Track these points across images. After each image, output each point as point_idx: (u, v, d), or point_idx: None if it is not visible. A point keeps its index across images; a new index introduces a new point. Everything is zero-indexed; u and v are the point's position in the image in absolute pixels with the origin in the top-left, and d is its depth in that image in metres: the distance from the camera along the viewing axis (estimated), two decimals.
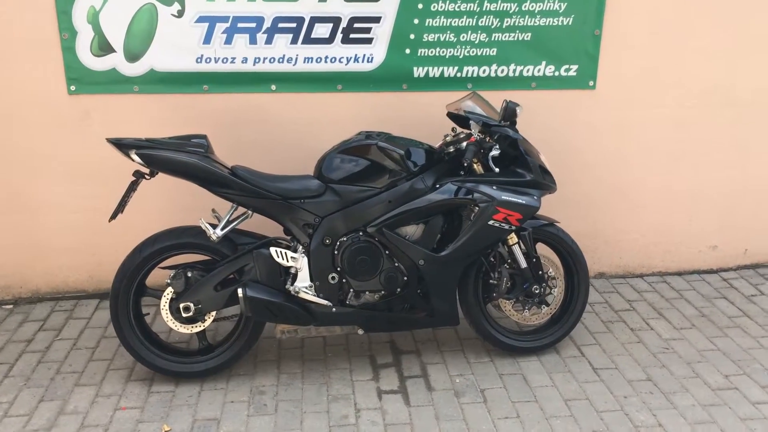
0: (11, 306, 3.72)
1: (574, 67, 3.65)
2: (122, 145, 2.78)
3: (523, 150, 2.97)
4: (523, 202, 2.95)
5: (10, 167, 3.54)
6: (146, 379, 3.02)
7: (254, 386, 2.98)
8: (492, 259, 3.10)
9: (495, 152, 2.92)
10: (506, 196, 2.93)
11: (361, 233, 2.94)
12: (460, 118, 3.18)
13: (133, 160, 2.79)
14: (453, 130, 3.18)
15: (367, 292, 2.99)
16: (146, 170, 2.86)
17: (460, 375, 3.07)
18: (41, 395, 2.91)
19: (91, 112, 3.50)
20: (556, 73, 3.66)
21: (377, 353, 3.24)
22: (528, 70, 3.64)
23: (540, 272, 3.11)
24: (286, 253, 2.90)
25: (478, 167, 3.00)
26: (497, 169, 2.91)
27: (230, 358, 3.00)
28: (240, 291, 2.84)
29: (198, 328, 2.96)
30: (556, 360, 3.19)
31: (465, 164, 2.84)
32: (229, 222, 2.89)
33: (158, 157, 2.77)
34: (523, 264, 3.08)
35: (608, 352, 3.25)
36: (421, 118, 3.61)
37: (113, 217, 2.88)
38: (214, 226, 2.86)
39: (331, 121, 3.61)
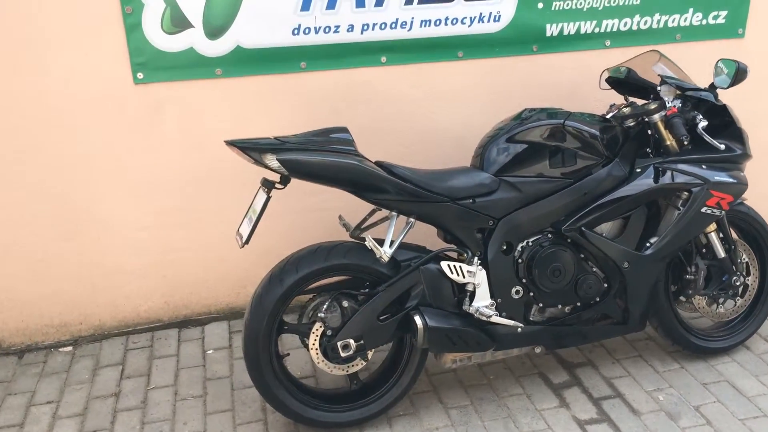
0: (70, 347, 3.05)
1: (723, 13, 3.14)
2: (252, 149, 2.15)
3: (734, 118, 2.48)
4: (735, 181, 2.47)
5: (64, 177, 2.83)
6: None
7: (425, 429, 2.45)
8: None
9: (704, 123, 2.41)
10: (718, 177, 2.44)
11: (549, 235, 2.41)
12: (622, 84, 2.66)
13: (267, 167, 2.17)
14: (626, 99, 2.66)
15: (558, 305, 2.47)
16: (276, 178, 2.24)
17: (658, 390, 2.60)
18: None
19: (164, 104, 2.80)
20: (703, 22, 3.14)
21: (545, 369, 2.74)
22: (673, 20, 3.10)
23: (739, 261, 2.66)
24: (460, 267, 2.34)
25: (672, 144, 2.48)
26: (722, 146, 2.40)
27: (395, 399, 2.45)
28: (418, 320, 2.28)
29: (356, 367, 2.39)
30: (753, 359, 2.75)
31: (684, 143, 2.33)
32: (395, 236, 2.30)
33: (306, 162, 2.15)
34: (722, 253, 2.61)
35: None
36: (554, 84, 3.08)
37: (247, 241, 2.25)
38: (380, 243, 2.26)
39: (450, 95, 3.03)
